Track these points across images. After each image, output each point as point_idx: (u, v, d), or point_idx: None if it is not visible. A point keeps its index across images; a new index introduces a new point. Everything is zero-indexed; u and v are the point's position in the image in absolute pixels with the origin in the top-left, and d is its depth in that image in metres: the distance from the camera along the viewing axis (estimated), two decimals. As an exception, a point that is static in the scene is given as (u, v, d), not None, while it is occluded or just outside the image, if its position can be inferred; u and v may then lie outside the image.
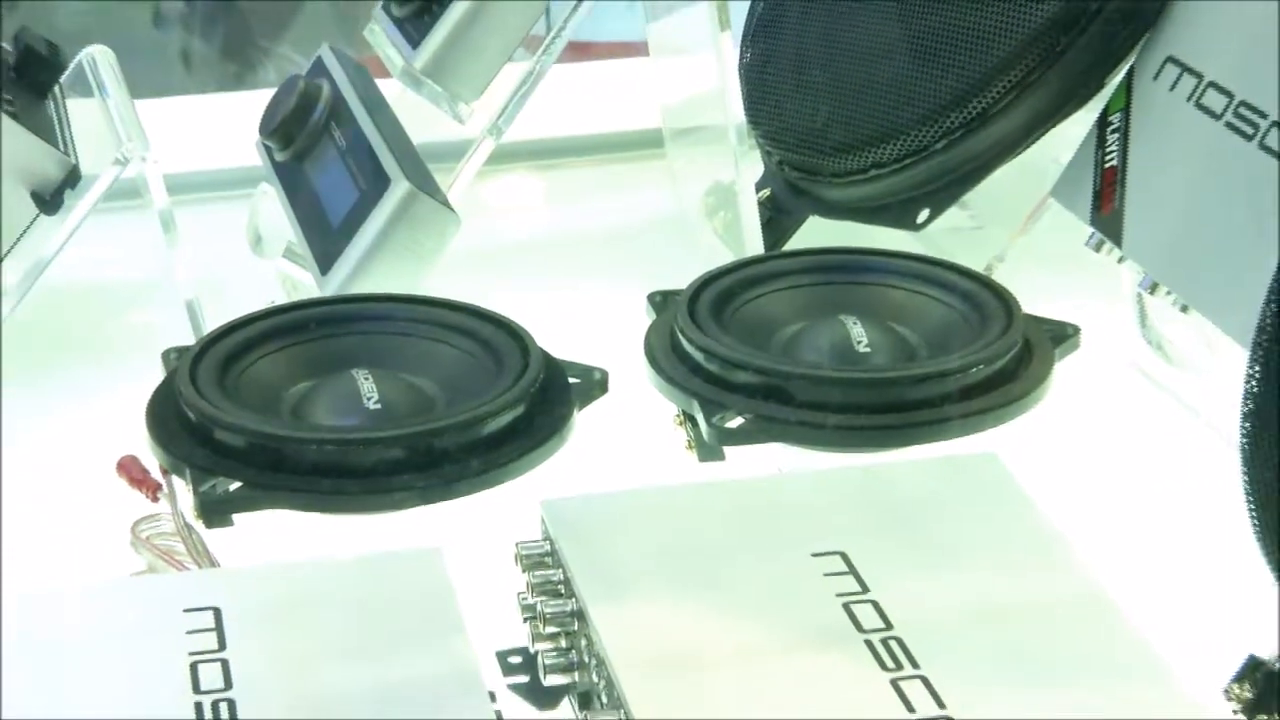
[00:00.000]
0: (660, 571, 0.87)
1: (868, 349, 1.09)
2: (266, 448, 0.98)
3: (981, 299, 1.12)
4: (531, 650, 0.89)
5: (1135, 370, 1.20)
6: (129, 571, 1.01)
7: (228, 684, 0.80)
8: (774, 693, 0.79)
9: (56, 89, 1.33)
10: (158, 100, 1.51)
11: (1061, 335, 1.10)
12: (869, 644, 0.82)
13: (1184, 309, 1.11)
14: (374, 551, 0.91)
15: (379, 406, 1.03)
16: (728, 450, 1.03)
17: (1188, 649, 0.83)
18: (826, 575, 0.87)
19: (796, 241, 1.30)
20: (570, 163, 1.58)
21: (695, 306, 1.11)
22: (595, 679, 0.84)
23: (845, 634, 0.82)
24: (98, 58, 1.34)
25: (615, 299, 1.20)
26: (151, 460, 1.02)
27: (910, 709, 0.77)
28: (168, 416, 1.02)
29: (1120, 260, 1.16)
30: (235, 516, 0.96)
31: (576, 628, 0.87)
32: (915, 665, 0.80)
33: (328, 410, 1.04)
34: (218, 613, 0.85)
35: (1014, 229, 1.25)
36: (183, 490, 0.99)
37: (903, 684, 0.79)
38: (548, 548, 0.90)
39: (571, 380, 1.06)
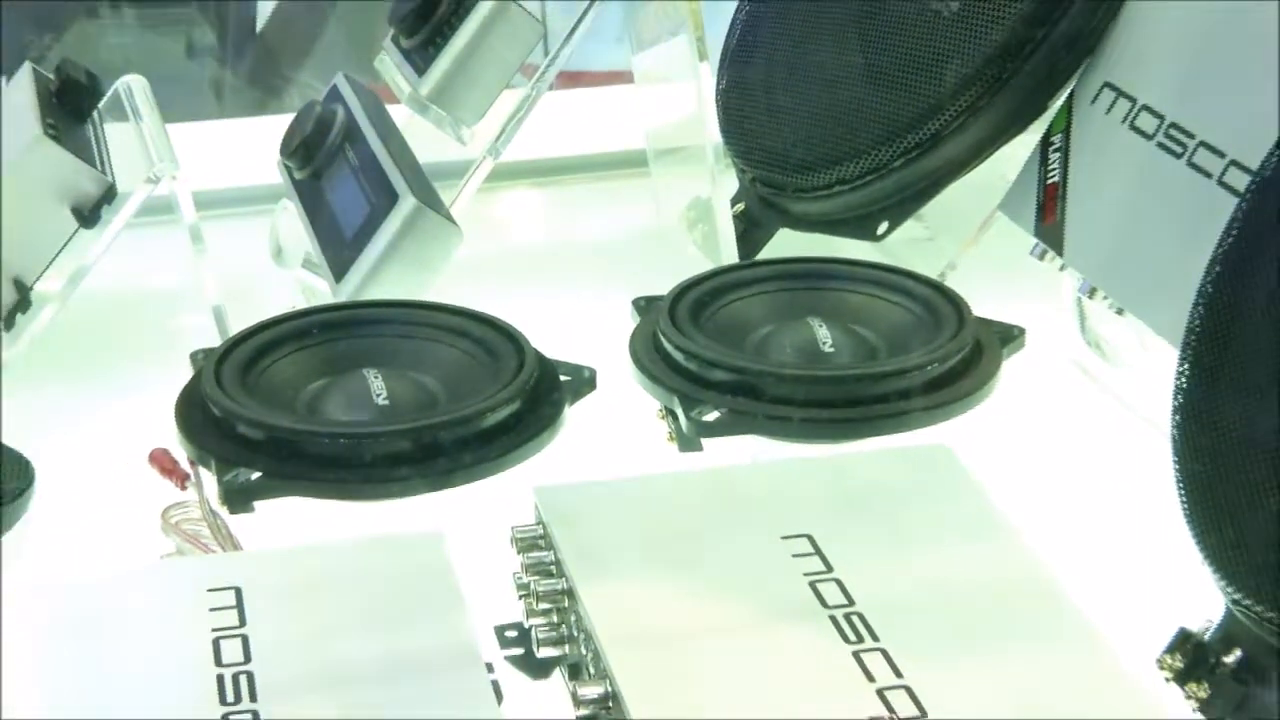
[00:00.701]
0: (643, 553, 0.87)
1: (832, 349, 1.09)
2: (284, 440, 0.98)
3: (935, 303, 1.12)
4: (526, 625, 0.88)
5: (1075, 368, 1.20)
6: (160, 553, 1.00)
7: (247, 658, 0.79)
8: (746, 664, 0.78)
9: (95, 114, 1.32)
10: (190, 124, 1.50)
11: (1008, 336, 1.11)
12: (833, 619, 0.81)
13: (1120, 312, 1.11)
14: (382, 535, 0.90)
15: (387, 402, 1.03)
16: (705, 442, 1.02)
17: (1124, 623, 0.82)
18: (794, 556, 0.86)
19: (768, 252, 1.30)
20: (563, 180, 1.57)
21: (676, 311, 1.10)
22: (584, 651, 0.83)
23: (811, 610, 0.82)
24: (133, 85, 1.33)
25: (603, 304, 1.19)
26: (180, 452, 1.02)
27: (870, 679, 0.77)
28: (195, 412, 1.02)
29: (1061, 268, 1.16)
30: (256, 503, 0.96)
31: (567, 605, 0.86)
32: (875, 639, 0.79)
33: (340, 406, 1.04)
34: (238, 592, 0.84)
35: (965, 239, 1.25)
36: (208, 479, 0.99)
37: (864, 656, 0.78)
38: (540, 531, 0.89)
39: (563, 378, 1.06)
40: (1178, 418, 0.86)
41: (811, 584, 0.84)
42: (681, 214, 1.37)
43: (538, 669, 0.88)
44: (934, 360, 1.05)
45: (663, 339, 1.08)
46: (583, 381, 1.06)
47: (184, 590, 0.85)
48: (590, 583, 0.84)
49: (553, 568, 0.87)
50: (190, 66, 2.05)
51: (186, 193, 1.19)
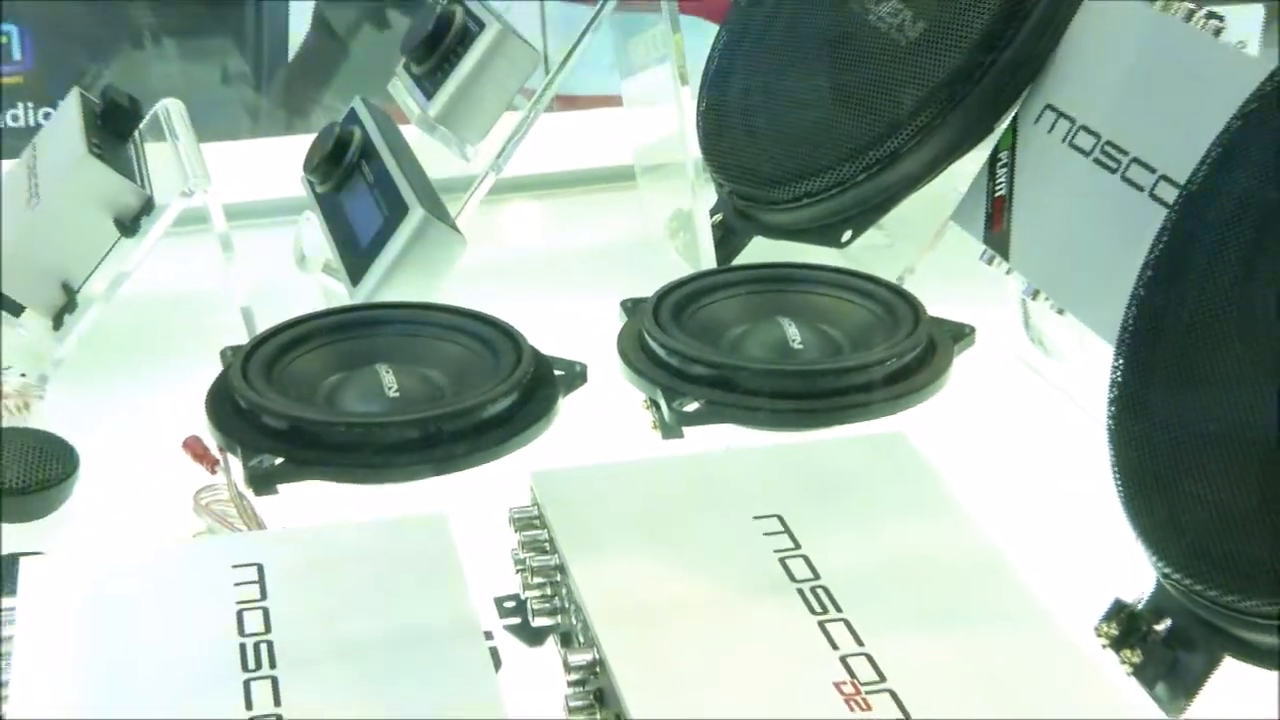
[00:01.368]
0: (628, 531, 0.86)
1: (800, 346, 1.08)
2: (305, 429, 0.98)
3: (894, 304, 1.11)
4: (522, 597, 0.87)
5: (1021, 363, 1.19)
6: (191, 531, 1.00)
7: (267, 628, 0.78)
8: (722, 633, 0.77)
9: (136, 134, 1.32)
10: (223, 143, 1.49)
11: (959, 334, 1.10)
12: (800, 592, 0.80)
13: (1060, 312, 1.11)
14: (391, 516, 0.89)
15: (398, 395, 1.02)
16: (686, 430, 1.02)
17: (1065, 595, 0.81)
18: (765, 534, 0.85)
19: (744, 258, 1.29)
20: (558, 193, 1.57)
21: (659, 311, 1.10)
22: (574, 621, 0.82)
23: (780, 584, 0.81)
24: (170, 108, 1.32)
25: (594, 305, 1.18)
26: (211, 440, 1.01)
27: (834, 646, 0.76)
28: (224, 403, 1.02)
29: (1008, 272, 1.16)
30: (278, 486, 0.95)
31: (559, 579, 0.85)
32: (839, 610, 0.78)
33: (356, 398, 1.03)
34: (260, 568, 0.83)
35: (921, 246, 1.24)
36: (236, 465, 0.98)
37: (828, 626, 0.77)
38: (536, 512, 0.88)
39: (557, 372, 1.06)
40: (1113, 409, 0.86)
41: (781, 560, 0.83)
42: (665, 224, 1.37)
43: (533, 637, 0.87)
44: (892, 356, 1.05)
45: (648, 337, 1.07)
46: (575, 376, 1.06)
47: (212, 566, 0.84)
48: (580, 559, 0.83)
49: (547, 545, 0.86)
50: (225, 91, 2.04)
51: (218, 205, 1.18)
